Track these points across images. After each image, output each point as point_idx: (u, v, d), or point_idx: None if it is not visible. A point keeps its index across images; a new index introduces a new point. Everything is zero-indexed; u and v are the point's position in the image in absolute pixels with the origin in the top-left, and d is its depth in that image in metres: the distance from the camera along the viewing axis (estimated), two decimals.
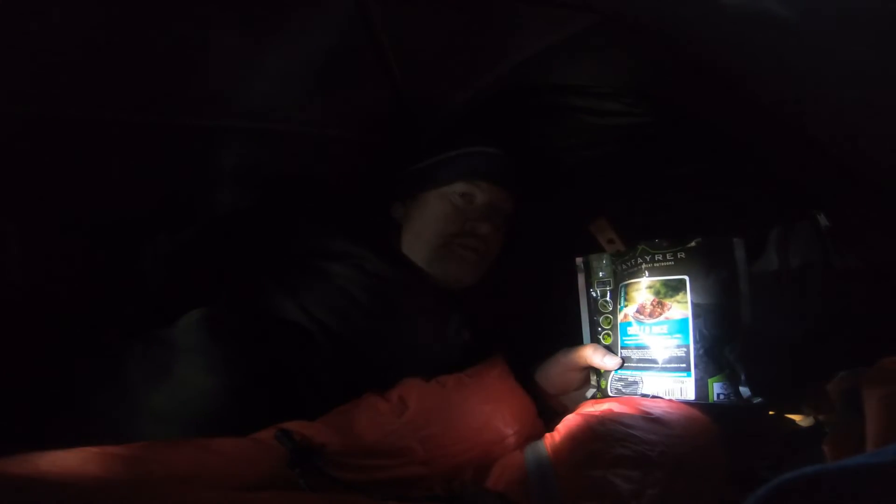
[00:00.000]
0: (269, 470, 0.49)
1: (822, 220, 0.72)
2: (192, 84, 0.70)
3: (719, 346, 0.63)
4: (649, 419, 0.58)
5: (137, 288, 0.76)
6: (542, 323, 0.89)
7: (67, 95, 0.64)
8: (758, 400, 0.61)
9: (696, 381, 0.63)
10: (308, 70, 0.75)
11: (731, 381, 0.62)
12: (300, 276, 0.77)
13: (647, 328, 0.67)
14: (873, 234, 0.71)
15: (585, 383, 0.73)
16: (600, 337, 0.73)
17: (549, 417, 0.68)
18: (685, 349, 0.64)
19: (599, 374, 0.71)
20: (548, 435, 0.60)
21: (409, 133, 0.96)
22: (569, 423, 0.59)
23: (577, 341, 0.74)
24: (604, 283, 0.74)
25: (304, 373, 0.70)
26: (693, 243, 0.67)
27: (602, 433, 0.55)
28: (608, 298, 0.73)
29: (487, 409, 0.66)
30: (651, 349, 0.66)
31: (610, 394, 0.69)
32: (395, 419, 0.59)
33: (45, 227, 0.71)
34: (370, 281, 0.77)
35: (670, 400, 0.64)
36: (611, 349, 0.71)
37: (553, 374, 0.73)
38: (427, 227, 0.84)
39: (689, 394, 0.63)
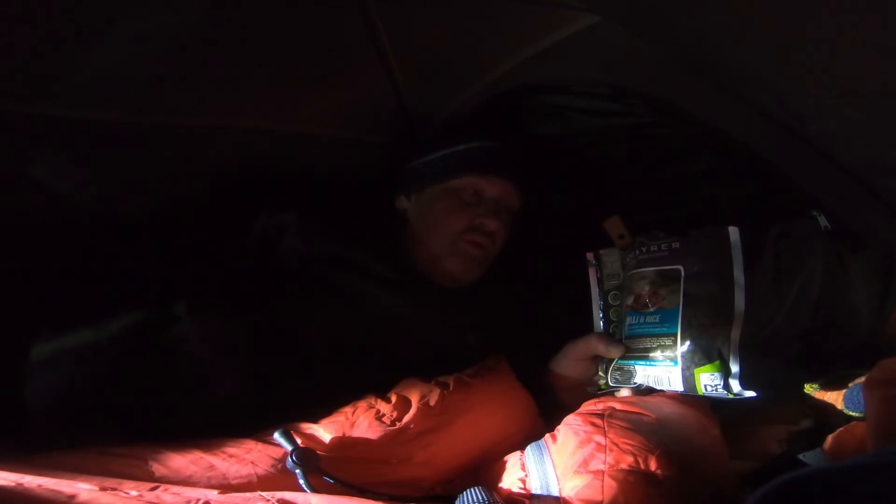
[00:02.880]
0: (271, 470, 0.49)
1: (822, 220, 0.71)
2: (197, 86, 0.70)
3: (709, 336, 0.63)
4: (650, 419, 0.58)
5: (131, 291, 0.76)
6: (556, 318, 0.89)
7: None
8: (749, 394, 0.60)
9: (683, 371, 0.62)
10: (309, 69, 0.75)
11: (722, 373, 0.61)
12: (298, 281, 0.77)
13: (642, 318, 0.67)
14: (873, 235, 0.71)
15: (594, 373, 0.73)
16: (611, 330, 0.73)
17: (552, 416, 0.67)
18: (672, 339, 0.64)
19: (606, 363, 0.71)
20: (549, 435, 0.60)
21: (410, 132, 0.96)
22: (569, 422, 0.59)
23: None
24: (614, 278, 0.74)
25: (304, 375, 0.70)
26: (691, 232, 0.67)
27: (603, 433, 0.55)
28: (617, 291, 0.74)
29: (488, 409, 0.66)
30: (644, 339, 0.66)
31: (610, 384, 0.69)
32: (395, 420, 0.59)
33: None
34: (371, 286, 0.77)
35: (668, 396, 0.64)
36: (619, 341, 0.71)
37: (562, 365, 0.73)
38: (435, 222, 0.83)
39: (677, 384, 0.62)
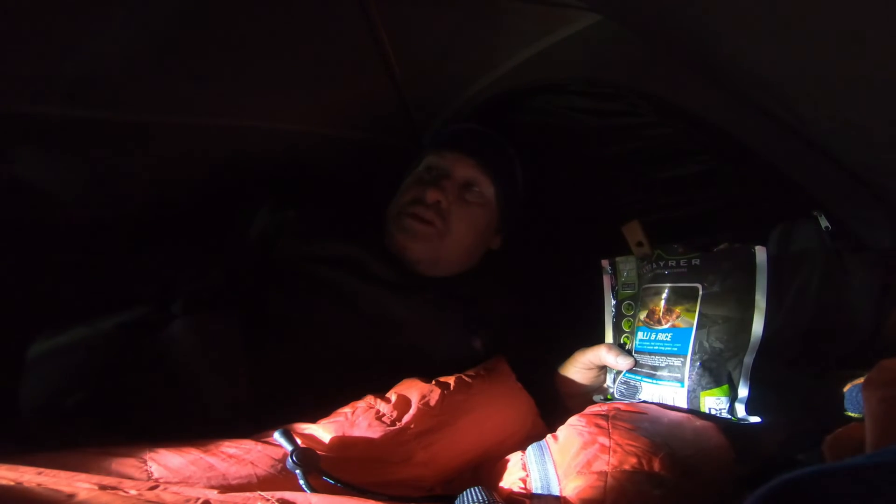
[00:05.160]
0: (270, 470, 0.49)
1: (823, 220, 0.71)
2: (194, 85, 0.70)
3: (721, 360, 0.61)
4: (655, 421, 0.58)
5: (129, 289, 0.76)
6: (566, 324, 0.88)
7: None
8: (754, 419, 0.59)
9: (689, 392, 0.61)
10: (309, 69, 0.75)
11: (729, 397, 0.60)
12: (297, 281, 0.76)
13: (654, 335, 0.66)
14: (873, 235, 0.71)
15: (602, 382, 0.72)
16: (622, 340, 0.71)
17: (555, 418, 0.67)
18: (682, 360, 0.62)
19: (614, 374, 0.71)
20: (550, 435, 0.59)
21: (411, 132, 0.96)
22: (573, 423, 0.59)
23: (601, 343, 0.73)
24: (629, 287, 0.72)
25: (303, 375, 0.69)
26: (714, 250, 0.65)
27: (607, 435, 0.55)
28: (631, 301, 0.72)
29: (489, 410, 0.66)
30: (653, 357, 0.65)
31: (616, 396, 0.69)
32: (395, 420, 0.59)
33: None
34: (372, 287, 0.77)
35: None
36: (629, 353, 0.69)
37: (571, 371, 0.72)
38: (391, 203, 0.83)
39: (682, 404, 0.61)
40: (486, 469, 0.61)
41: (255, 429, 0.55)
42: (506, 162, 0.86)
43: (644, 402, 0.64)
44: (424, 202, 0.79)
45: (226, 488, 0.45)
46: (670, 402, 0.62)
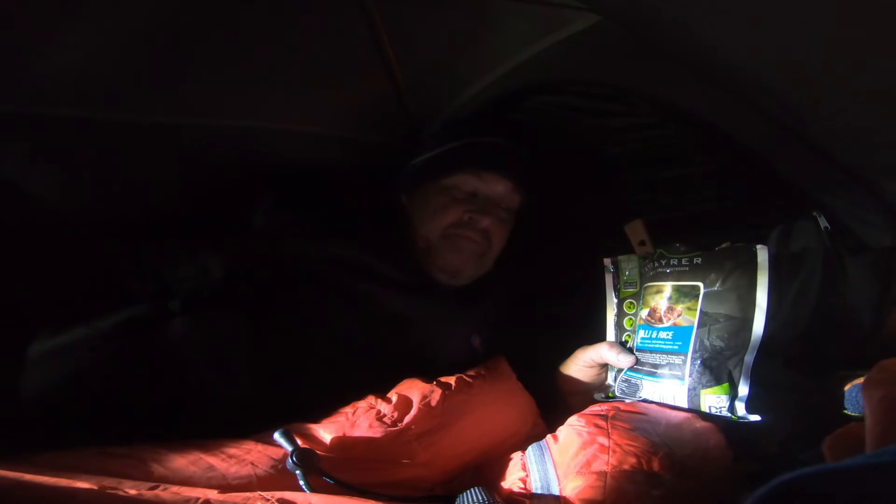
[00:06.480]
0: (270, 470, 0.49)
1: (822, 220, 0.71)
2: (193, 85, 0.70)
3: (721, 358, 0.61)
4: (654, 421, 0.58)
5: (129, 289, 0.76)
6: (568, 322, 0.88)
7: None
8: (754, 418, 0.59)
9: (689, 390, 0.61)
10: (309, 69, 0.75)
11: (729, 396, 0.60)
12: (299, 281, 0.76)
13: (655, 333, 0.66)
14: (873, 234, 0.71)
15: (604, 380, 0.72)
16: (623, 338, 0.72)
17: (556, 418, 0.67)
18: (682, 358, 0.62)
19: (615, 372, 0.71)
20: (550, 435, 0.60)
21: (411, 132, 0.96)
22: (572, 423, 0.59)
23: (602, 341, 0.73)
24: (630, 285, 0.73)
25: (304, 376, 0.69)
26: (716, 249, 0.65)
27: (606, 435, 0.55)
28: (633, 300, 0.72)
29: (489, 410, 0.66)
30: (654, 355, 0.65)
31: (617, 394, 0.69)
32: (396, 421, 0.59)
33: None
34: (374, 287, 0.76)
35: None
36: (630, 351, 0.69)
37: (572, 369, 0.73)
38: (427, 219, 0.82)
39: (682, 402, 0.62)
40: (487, 469, 0.61)
41: (255, 429, 0.55)
42: (532, 177, 0.87)
43: (645, 399, 0.65)
44: (474, 227, 0.81)
45: (226, 488, 0.45)
46: (671, 400, 0.63)
